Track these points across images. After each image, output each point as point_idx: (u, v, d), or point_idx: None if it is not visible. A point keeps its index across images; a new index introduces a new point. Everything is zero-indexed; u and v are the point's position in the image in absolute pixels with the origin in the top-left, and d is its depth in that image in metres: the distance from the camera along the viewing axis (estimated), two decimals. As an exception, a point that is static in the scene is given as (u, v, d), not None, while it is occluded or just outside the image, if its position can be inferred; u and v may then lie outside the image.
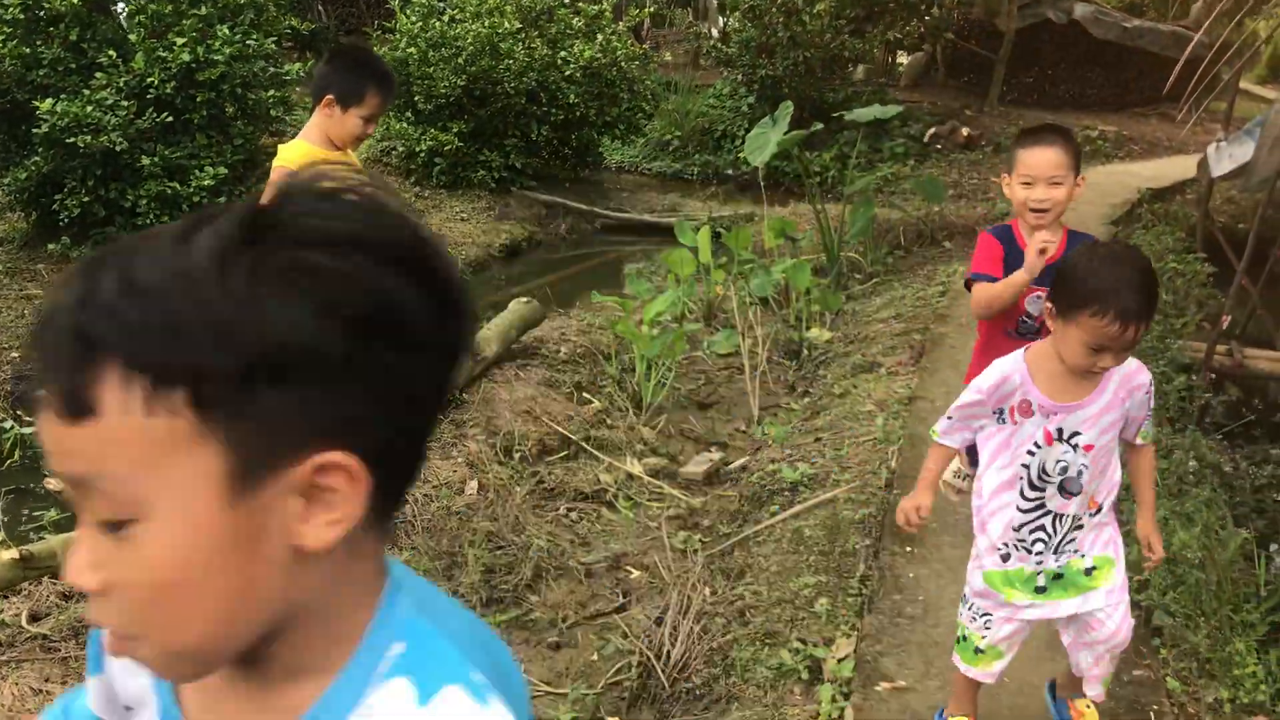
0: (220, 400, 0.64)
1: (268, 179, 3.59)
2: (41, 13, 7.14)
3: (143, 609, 0.68)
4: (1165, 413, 5.01)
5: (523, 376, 5.56)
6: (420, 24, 11.04)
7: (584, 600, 3.85)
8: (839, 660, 3.00)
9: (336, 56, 3.63)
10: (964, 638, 2.52)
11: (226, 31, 7.21)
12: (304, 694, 0.74)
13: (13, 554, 2.98)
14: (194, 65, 7.10)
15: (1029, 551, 2.38)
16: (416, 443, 0.75)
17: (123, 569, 0.67)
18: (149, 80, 7.00)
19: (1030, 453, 2.32)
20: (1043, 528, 2.36)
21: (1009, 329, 3.05)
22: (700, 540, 4.17)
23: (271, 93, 7.89)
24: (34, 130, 6.77)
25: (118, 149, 6.77)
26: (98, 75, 6.94)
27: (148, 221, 7.01)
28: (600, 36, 11.67)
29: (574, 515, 4.46)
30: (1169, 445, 4.49)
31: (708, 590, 3.64)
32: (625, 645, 3.48)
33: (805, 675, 2.98)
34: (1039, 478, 2.32)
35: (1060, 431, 2.29)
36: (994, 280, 3.01)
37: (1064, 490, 2.32)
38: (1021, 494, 2.35)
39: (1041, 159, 2.92)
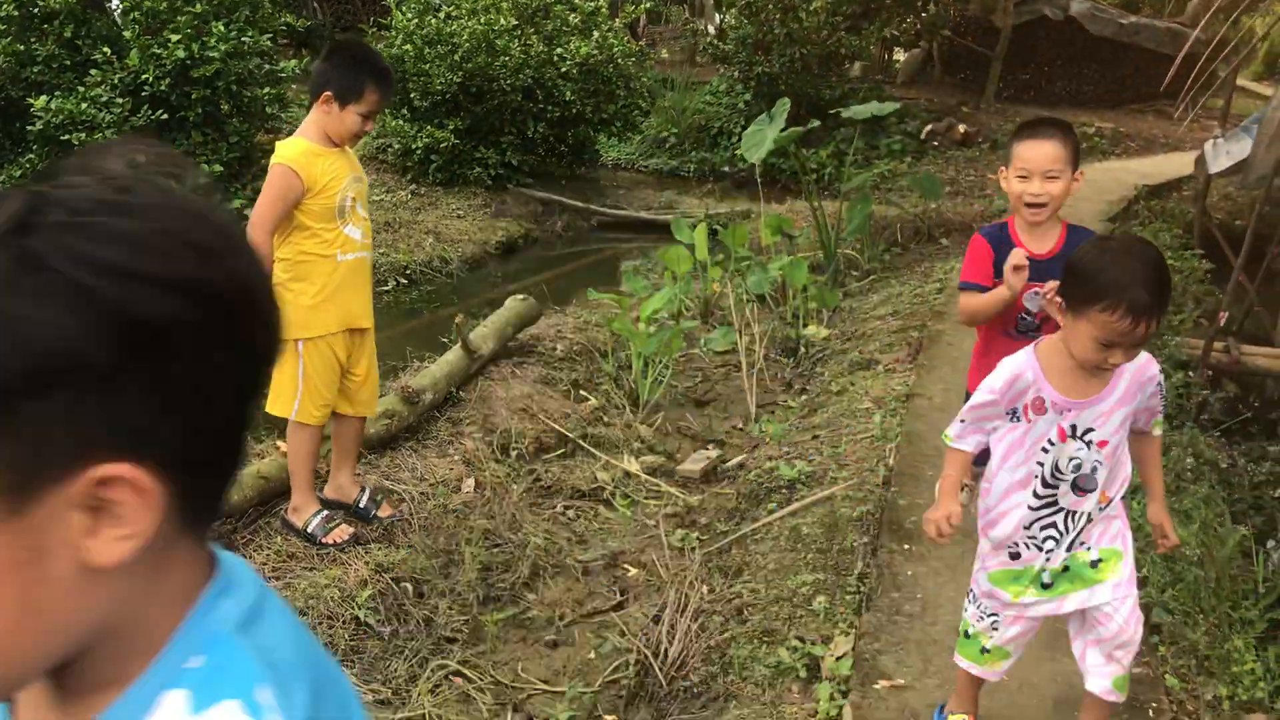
0: None
1: (265, 176, 3.57)
2: (36, 10, 7.13)
3: None
4: (1163, 409, 5.01)
5: (519, 374, 5.55)
6: (416, 20, 11.01)
7: (581, 598, 3.84)
8: (837, 658, 2.99)
9: (335, 53, 3.59)
10: (969, 635, 2.49)
11: (221, 28, 7.19)
12: (101, 706, 0.71)
13: None
14: (189, 62, 7.08)
15: (1039, 548, 2.34)
16: (225, 444, 0.72)
17: None
18: (144, 77, 6.98)
19: (1044, 450, 2.28)
20: (1054, 524, 2.32)
21: (1008, 329, 3.01)
22: (698, 538, 4.16)
23: (267, 90, 7.87)
24: (28, 128, 6.75)
25: (113, 146, 6.74)
26: (92, 72, 6.92)
27: (143, 219, 6.99)
28: (596, 33, 11.65)
29: (571, 513, 4.45)
30: (1167, 442, 4.48)
31: (705, 588, 3.63)
32: (623, 643, 3.48)
33: (803, 673, 2.97)
34: (1052, 475, 2.29)
35: (1074, 428, 2.26)
36: (982, 289, 2.99)
37: (1077, 487, 2.29)
38: (1034, 492, 2.31)
39: (1038, 152, 2.86)
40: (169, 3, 7.26)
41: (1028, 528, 2.34)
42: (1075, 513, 2.31)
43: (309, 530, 3.72)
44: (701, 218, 9.09)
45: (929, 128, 13.47)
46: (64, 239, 0.63)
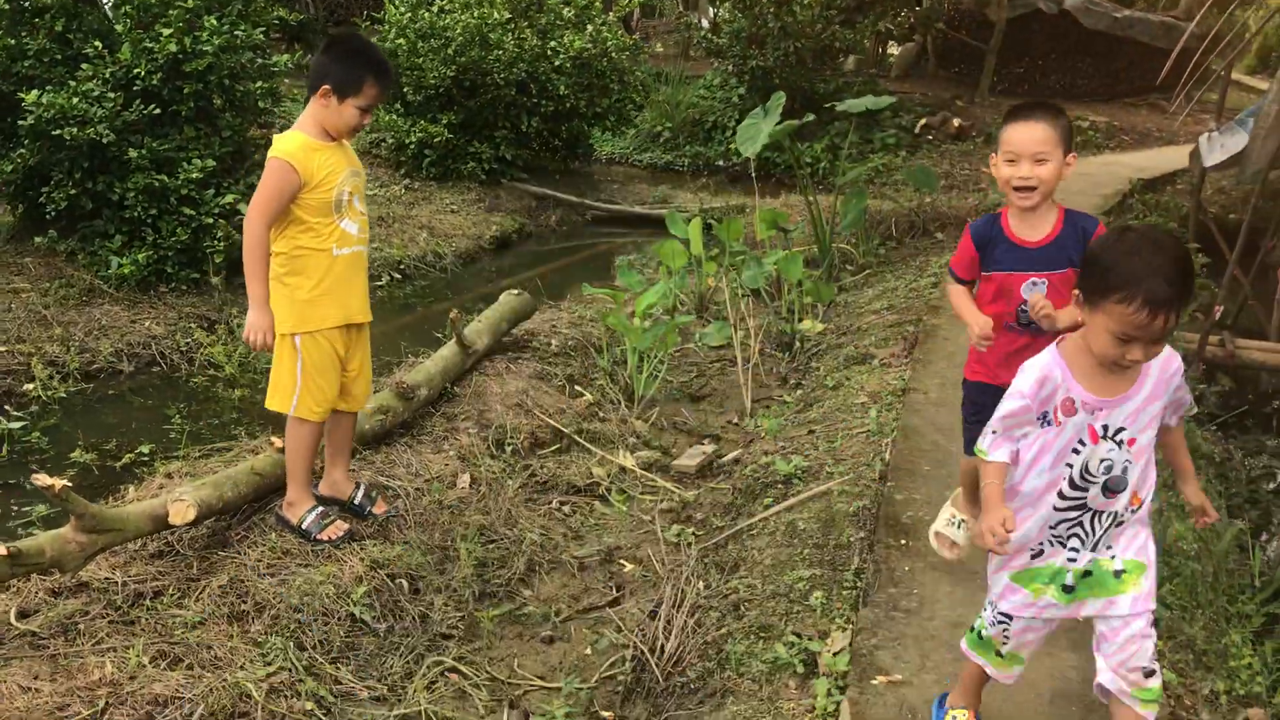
0: None
1: (258, 171, 3.54)
2: (27, 3, 7.08)
3: None
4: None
5: (514, 369, 5.54)
6: (409, 15, 10.99)
7: (577, 594, 3.83)
8: (834, 654, 2.98)
9: (333, 46, 3.57)
10: (982, 637, 2.46)
11: (214, 22, 7.15)
12: None
13: (0, 550, 2.95)
14: (181, 56, 7.04)
15: (1064, 545, 2.29)
16: None
17: None
18: (136, 71, 6.94)
19: (1075, 451, 2.21)
20: (1080, 524, 2.26)
21: (1008, 321, 2.96)
22: (693, 533, 4.16)
23: (260, 84, 7.83)
24: (20, 122, 6.70)
25: (105, 141, 6.71)
26: (84, 66, 6.88)
27: (135, 214, 6.96)
28: (590, 27, 11.63)
29: (566, 509, 4.44)
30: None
31: (701, 584, 3.62)
32: (619, 639, 3.47)
33: (800, 669, 2.96)
34: (1081, 477, 2.22)
35: (1105, 429, 2.19)
36: (963, 282, 3.00)
37: (1108, 489, 2.22)
38: (1060, 494, 2.24)
39: (1026, 135, 2.78)
40: (161, -4, 7.22)
41: (1053, 527, 2.28)
42: (1102, 513, 2.25)
43: (304, 526, 3.71)
44: (696, 212, 9.08)
45: (923, 122, 13.47)
46: None
